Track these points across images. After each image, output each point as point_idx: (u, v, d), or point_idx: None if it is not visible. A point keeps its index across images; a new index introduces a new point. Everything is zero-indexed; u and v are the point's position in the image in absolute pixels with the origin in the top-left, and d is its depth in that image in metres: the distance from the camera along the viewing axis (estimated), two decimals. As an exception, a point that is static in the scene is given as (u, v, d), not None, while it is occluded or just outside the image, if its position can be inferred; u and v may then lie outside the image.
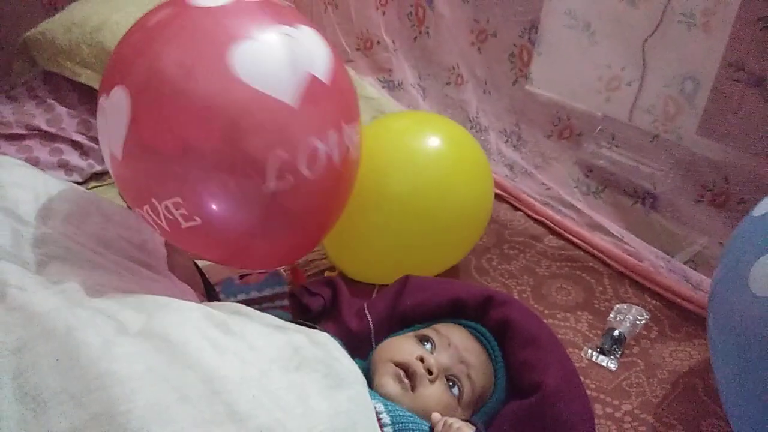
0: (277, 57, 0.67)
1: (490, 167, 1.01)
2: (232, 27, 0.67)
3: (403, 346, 0.70)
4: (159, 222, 0.76)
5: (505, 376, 0.73)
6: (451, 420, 0.63)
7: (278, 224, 0.72)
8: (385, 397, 0.65)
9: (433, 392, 0.66)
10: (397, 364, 0.67)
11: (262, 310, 0.74)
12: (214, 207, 0.69)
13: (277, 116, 0.66)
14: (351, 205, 0.86)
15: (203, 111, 0.64)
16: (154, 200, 0.73)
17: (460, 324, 0.76)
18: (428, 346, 0.71)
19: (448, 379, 0.69)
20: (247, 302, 0.77)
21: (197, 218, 0.70)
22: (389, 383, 0.66)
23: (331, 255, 1.02)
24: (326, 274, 1.02)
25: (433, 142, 0.94)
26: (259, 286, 0.79)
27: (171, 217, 0.73)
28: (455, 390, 0.69)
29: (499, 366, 0.73)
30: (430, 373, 0.67)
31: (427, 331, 0.73)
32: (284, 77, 0.66)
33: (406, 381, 0.66)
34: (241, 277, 0.80)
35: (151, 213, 0.79)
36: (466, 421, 0.65)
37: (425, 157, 0.93)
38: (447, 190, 0.92)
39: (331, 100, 0.71)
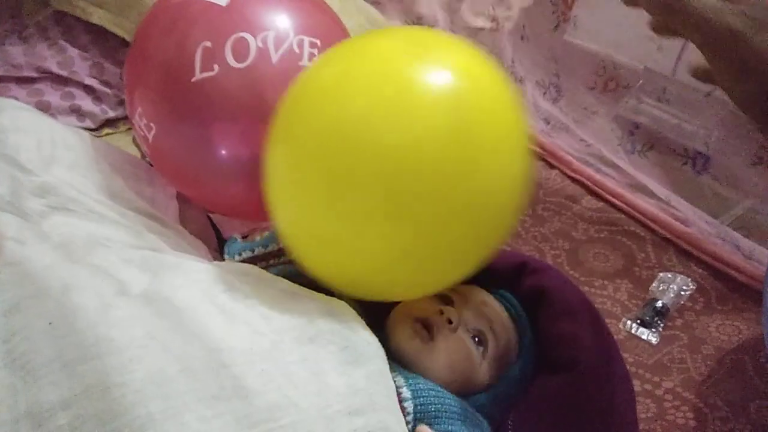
0: None
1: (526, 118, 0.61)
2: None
3: (421, 303, 0.65)
4: (143, 145, 0.82)
5: (532, 342, 0.68)
6: None
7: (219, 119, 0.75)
8: (404, 356, 0.60)
9: (455, 343, 0.62)
10: (416, 320, 0.63)
11: (268, 267, 0.69)
12: (159, 107, 0.75)
13: (208, 14, 0.74)
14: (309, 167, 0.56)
15: (152, 21, 0.80)
16: (133, 119, 0.80)
17: (479, 287, 0.71)
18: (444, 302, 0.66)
19: (472, 335, 0.63)
20: (253, 260, 0.72)
21: (152, 125, 0.76)
22: (406, 340, 0.61)
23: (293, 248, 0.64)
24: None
25: (443, 74, 0.55)
26: (264, 241, 0.71)
27: (142, 133, 0.78)
28: (478, 342, 0.63)
29: (524, 329, 0.68)
30: (450, 322, 0.62)
31: (444, 291, 0.67)
32: None
33: (424, 333, 0.61)
34: (245, 236, 0.75)
35: (138, 138, 0.83)
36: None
37: (432, 95, 0.54)
38: (466, 147, 0.54)
39: (271, 7, 0.76)
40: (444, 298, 0.67)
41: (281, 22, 0.75)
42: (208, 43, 0.72)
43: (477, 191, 0.54)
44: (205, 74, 0.71)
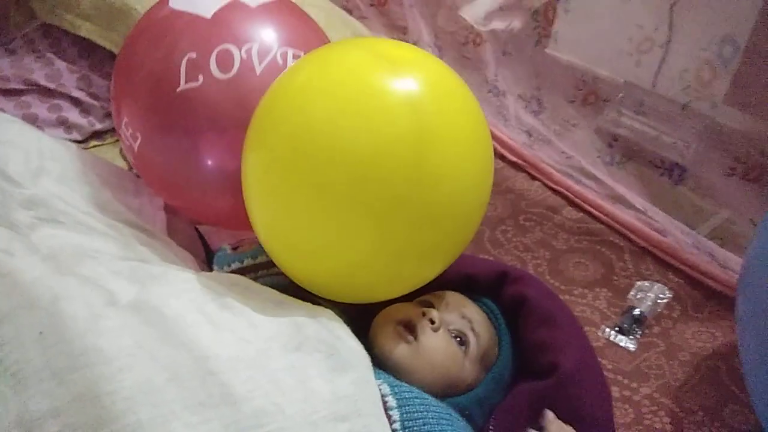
0: None
1: (487, 124, 0.65)
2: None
3: (403, 308, 0.67)
4: (129, 154, 0.82)
5: (510, 344, 0.70)
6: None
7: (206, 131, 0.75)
8: (389, 359, 0.61)
9: (438, 342, 0.63)
10: (399, 322, 0.64)
11: (257, 278, 0.70)
12: (144, 117, 0.76)
13: (193, 27, 0.75)
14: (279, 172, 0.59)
15: (139, 33, 0.81)
16: (119, 130, 0.81)
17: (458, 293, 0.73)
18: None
19: (453, 335, 0.65)
20: (242, 271, 0.73)
21: (138, 134, 0.76)
22: (390, 342, 0.62)
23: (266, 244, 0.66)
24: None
25: (407, 82, 0.58)
26: (254, 253, 0.73)
27: (128, 143, 0.79)
28: (460, 342, 0.65)
29: (502, 332, 0.70)
30: (432, 322, 0.64)
31: (425, 296, 0.70)
32: (204, 0, 0.78)
33: (409, 336, 0.63)
34: (235, 248, 0.76)
35: (124, 148, 0.83)
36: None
37: (395, 102, 0.57)
38: (429, 151, 0.56)
39: (255, 20, 0.78)
40: (424, 303, 0.68)
41: (265, 34, 0.77)
42: (193, 54, 0.73)
43: (441, 192, 0.58)
44: (190, 84, 0.73)
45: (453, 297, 0.70)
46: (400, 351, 0.62)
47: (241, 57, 0.74)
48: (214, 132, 0.74)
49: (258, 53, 0.75)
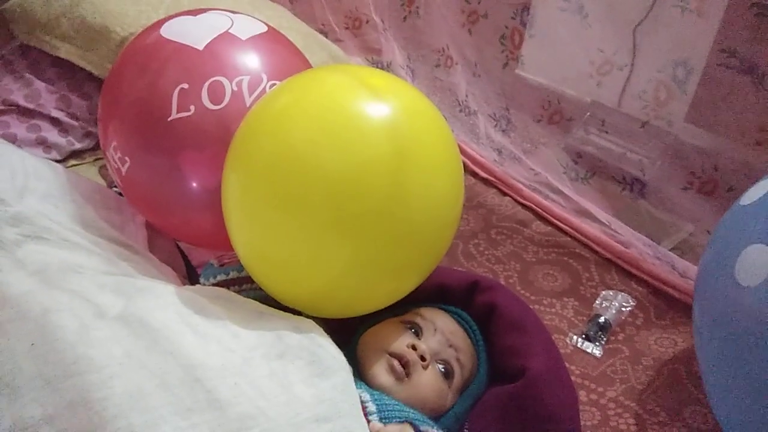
0: (197, 21, 0.84)
1: (457, 146, 0.70)
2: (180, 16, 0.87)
3: (393, 334, 0.69)
4: (116, 177, 0.84)
5: (486, 361, 0.72)
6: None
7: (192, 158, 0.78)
8: (379, 388, 0.64)
9: (427, 378, 0.66)
10: (391, 354, 0.66)
11: (241, 291, 0.73)
12: (134, 142, 0.79)
13: (184, 56, 0.78)
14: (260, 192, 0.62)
15: (129, 58, 0.83)
16: (107, 152, 0.83)
17: (441, 308, 0.75)
18: (413, 330, 0.70)
19: (438, 363, 0.68)
20: (227, 283, 0.75)
21: (127, 158, 0.79)
22: (383, 375, 0.65)
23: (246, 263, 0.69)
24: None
25: (382, 107, 0.62)
26: (239, 267, 0.75)
27: (116, 166, 0.81)
28: (446, 374, 0.68)
29: (480, 350, 0.73)
30: (423, 359, 0.66)
31: (412, 317, 0.72)
32: (196, 31, 0.81)
33: (400, 370, 0.65)
34: (221, 264, 0.78)
35: (111, 170, 0.85)
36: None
37: (372, 126, 0.61)
38: (403, 172, 0.60)
39: (246, 52, 0.81)
40: (411, 324, 0.70)
41: (255, 66, 0.79)
42: (185, 85, 0.76)
43: (416, 211, 0.62)
44: (182, 114, 0.75)
45: (441, 320, 0.71)
46: (392, 386, 0.64)
47: (232, 89, 0.77)
48: (203, 159, 0.77)
49: (248, 85, 0.78)
